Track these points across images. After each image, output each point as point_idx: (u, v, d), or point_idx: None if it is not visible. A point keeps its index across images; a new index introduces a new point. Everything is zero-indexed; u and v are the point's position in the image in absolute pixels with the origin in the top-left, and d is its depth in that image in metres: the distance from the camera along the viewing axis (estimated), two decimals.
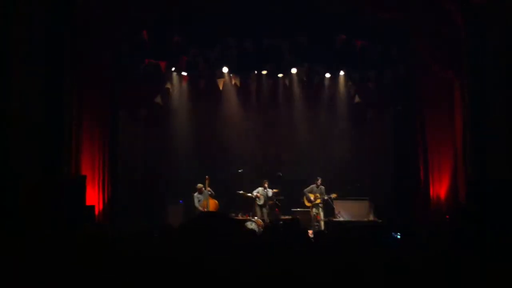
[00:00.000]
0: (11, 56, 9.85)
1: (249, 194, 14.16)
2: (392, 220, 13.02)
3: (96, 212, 12.27)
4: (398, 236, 10.92)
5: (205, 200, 13.73)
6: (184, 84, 15.47)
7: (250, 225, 13.21)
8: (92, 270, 5.96)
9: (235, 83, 15.54)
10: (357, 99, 15.52)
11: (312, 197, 14.36)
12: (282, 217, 13.53)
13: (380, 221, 13.62)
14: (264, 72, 15.46)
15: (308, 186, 14.54)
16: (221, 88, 15.37)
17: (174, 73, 15.18)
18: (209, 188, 13.76)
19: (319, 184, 14.38)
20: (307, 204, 14.42)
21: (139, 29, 13.55)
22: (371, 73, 15.04)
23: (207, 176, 13.79)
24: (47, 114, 10.83)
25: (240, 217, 13.87)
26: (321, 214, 14.32)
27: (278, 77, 15.64)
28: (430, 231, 10.29)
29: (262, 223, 13.56)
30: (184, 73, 15.20)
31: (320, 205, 14.31)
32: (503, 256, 5.15)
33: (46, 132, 10.79)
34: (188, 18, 13.69)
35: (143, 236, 8.48)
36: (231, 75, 15.36)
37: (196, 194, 13.88)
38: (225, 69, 15.07)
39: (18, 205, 9.42)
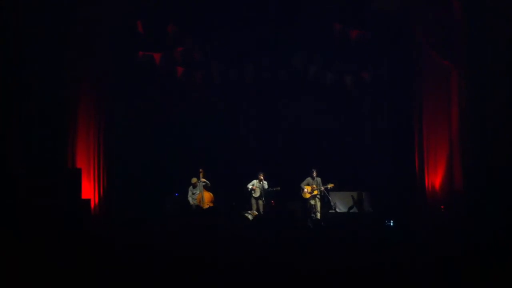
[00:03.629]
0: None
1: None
2: (387, 210, 13.06)
3: (92, 206, 12.25)
4: (391, 224, 11.02)
5: (200, 193, 13.72)
6: (179, 76, 15.34)
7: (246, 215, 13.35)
8: (91, 268, 5.98)
9: (231, 75, 15.45)
10: (353, 89, 15.44)
11: (309, 189, 14.37)
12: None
13: (372, 211, 13.70)
14: (261, 62, 15.35)
15: (304, 179, 14.54)
16: (216, 79, 15.30)
17: (169, 65, 15.04)
18: (204, 179, 13.78)
19: (314, 175, 14.38)
20: (305, 196, 14.42)
21: (134, 20, 13.52)
22: (367, 63, 15.01)
23: (201, 169, 13.80)
24: (43, 107, 10.82)
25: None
26: (318, 205, 14.35)
27: (275, 68, 15.52)
28: (426, 224, 10.38)
29: (256, 213, 13.65)
30: (179, 65, 15.07)
31: (317, 196, 14.34)
32: (503, 255, 5.19)
33: (42, 125, 10.79)
34: (184, 8, 13.65)
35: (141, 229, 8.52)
36: (227, 66, 15.28)
37: (190, 188, 13.89)
38: (221, 60, 14.99)
39: (15, 204, 9.43)
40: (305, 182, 14.46)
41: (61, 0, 11.16)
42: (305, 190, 14.39)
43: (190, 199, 13.88)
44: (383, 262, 5.03)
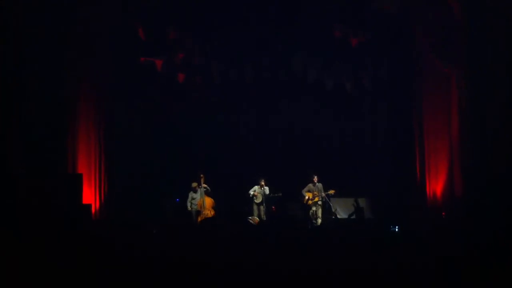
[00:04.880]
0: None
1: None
2: (388, 217, 13.03)
3: (93, 211, 12.24)
4: (396, 229, 11.01)
5: (201, 199, 13.65)
6: (181, 80, 15.32)
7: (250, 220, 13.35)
8: (91, 269, 5.97)
9: (231, 75, 15.45)
10: (353, 92, 15.43)
11: (310, 195, 14.29)
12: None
13: (372, 217, 13.69)
14: (261, 62, 15.34)
15: (303, 180, 14.50)
16: (216, 79, 15.31)
17: (170, 71, 15.05)
18: (204, 185, 13.71)
19: (315, 181, 14.31)
20: (306, 203, 14.36)
21: (134, 20, 13.55)
22: (367, 63, 15.02)
23: (201, 175, 13.76)
24: (43, 107, 10.82)
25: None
26: (319, 211, 14.28)
27: (275, 68, 15.50)
28: (428, 230, 10.35)
29: (258, 220, 13.58)
30: (180, 70, 15.08)
31: (318, 202, 14.24)
32: (503, 255, 5.18)
33: (42, 125, 10.78)
34: (184, 8, 13.69)
35: (142, 235, 8.50)
36: (227, 66, 15.29)
37: (191, 192, 13.84)
38: (221, 60, 15.01)
39: (15, 205, 9.40)
40: (306, 188, 14.34)
41: (61, 0, 11.16)
42: (307, 197, 14.31)
43: (189, 204, 13.77)
44: (383, 262, 5.03)
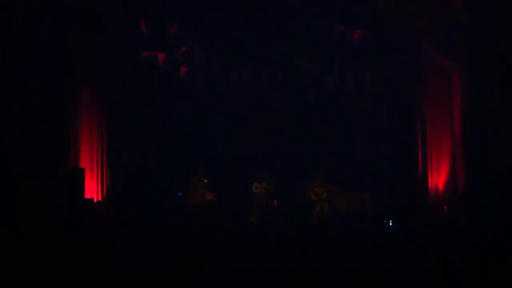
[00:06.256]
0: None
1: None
2: (388, 211, 13.08)
3: (95, 202, 12.31)
4: (390, 224, 11.04)
5: (201, 193, 13.76)
6: (182, 76, 15.35)
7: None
8: (91, 269, 5.99)
9: (231, 75, 15.47)
10: (353, 88, 15.44)
11: (314, 191, 14.35)
12: None
13: (372, 211, 13.74)
14: (261, 63, 15.36)
15: (305, 179, 14.53)
16: (216, 79, 15.34)
17: (172, 65, 15.08)
18: (205, 179, 13.81)
19: (319, 178, 14.37)
20: (309, 198, 14.40)
21: (137, 19, 13.60)
22: (367, 63, 15.02)
23: (202, 169, 13.90)
24: (43, 107, 10.84)
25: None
26: (324, 206, 14.32)
27: (275, 68, 15.51)
28: (426, 224, 10.37)
29: (260, 214, 13.69)
30: (182, 65, 15.10)
31: (323, 195, 14.31)
32: (503, 255, 5.19)
33: (42, 125, 10.80)
34: (184, 8, 13.73)
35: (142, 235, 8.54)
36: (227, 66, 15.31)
37: (191, 187, 13.92)
38: (221, 60, 15.04)
39: (15, 205, 9.42)
40: (309, 184, 14.43)
41: (61, 0, 11.18)
42: (310, 192, 14.37)
43: (189, 199, 13.86)
44: (383, 262, 5.04)
